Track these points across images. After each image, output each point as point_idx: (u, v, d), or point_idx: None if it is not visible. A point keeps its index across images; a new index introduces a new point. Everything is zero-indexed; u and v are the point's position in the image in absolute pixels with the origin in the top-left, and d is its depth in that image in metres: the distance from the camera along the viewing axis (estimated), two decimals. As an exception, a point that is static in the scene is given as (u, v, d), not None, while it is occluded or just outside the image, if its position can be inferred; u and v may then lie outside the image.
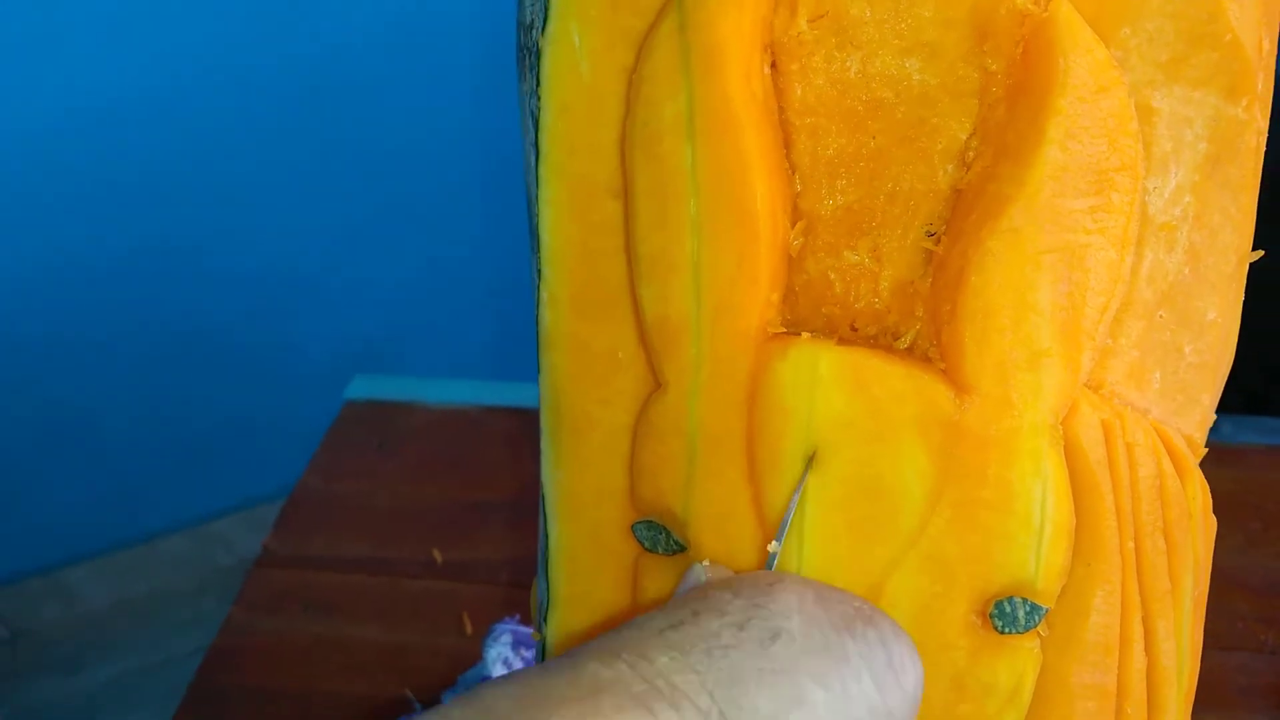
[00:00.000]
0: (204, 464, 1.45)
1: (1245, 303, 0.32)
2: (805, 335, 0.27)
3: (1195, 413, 0.31)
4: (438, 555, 0.63)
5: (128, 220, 1.26)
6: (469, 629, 0.59)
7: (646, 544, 0.30)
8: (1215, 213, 0.30)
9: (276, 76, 1.25)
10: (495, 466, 0.70)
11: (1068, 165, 0.26)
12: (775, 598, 0.25)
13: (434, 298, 1.45)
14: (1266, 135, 0.31)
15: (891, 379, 0.27)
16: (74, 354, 1.31)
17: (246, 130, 1.26)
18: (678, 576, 0.29)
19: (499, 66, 1.35)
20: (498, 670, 0.49)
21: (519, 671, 0.25)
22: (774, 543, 0.28)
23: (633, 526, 0.30)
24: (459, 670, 0.55)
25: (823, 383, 0.27)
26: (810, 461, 0.27)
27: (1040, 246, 0.26)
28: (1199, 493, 0.30)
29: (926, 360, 0.28)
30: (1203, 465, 0.63)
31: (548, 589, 0.33)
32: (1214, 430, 0.65)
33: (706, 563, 0.29)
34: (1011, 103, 0.27)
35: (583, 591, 0.32)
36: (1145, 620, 0.29)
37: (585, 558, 0.32)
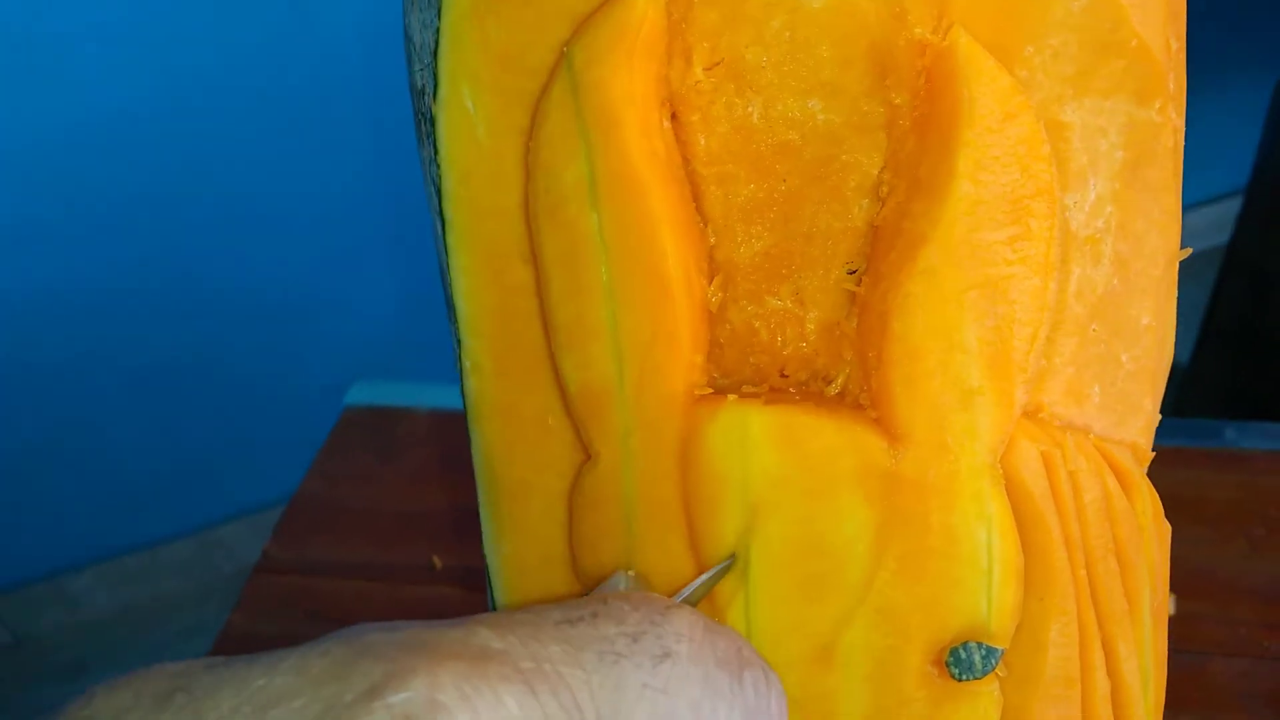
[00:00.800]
0: (206, 470, 1.45)
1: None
2: (732, 397, 0.27)
3: (1138, 419, 0.31)
4: (437, 561, 0.62)
5: (130, 228, 1.26)
6: None
7: (593, 617, 0.29)
8: (1139, 219, 0.29)
9: (276, 85, 1.25)
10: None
11: (981, 198, 0.26)
12: (670, 620, 0.24)
13: (435, 304, 1.44)
14: (1184, 134, 0.31)
15: (824, 434, 0.26)
16: (76, 360, 1.31)
17: (246, 139, 1.26)
18: None
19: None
20: None
21: (399, 623, 0.24)
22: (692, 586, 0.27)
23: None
24: None
25: (754, 444, 0.26)
26: (733, 554, 0.27)
27: (961, 284, 0.26)
28: (1148, 505, 0.29)
29: (859, 408, 0.27)
30: (1207, 470, 0.63)
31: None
32: (1218, 436, 0.65)
33: (630, 573, 0.28)
34: (920, 135, 0.27)
35: (537, 662, 0.32)
36: (1105, 644, 0.29)
37: None
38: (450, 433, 0.73)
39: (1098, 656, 0.28)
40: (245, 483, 1.46)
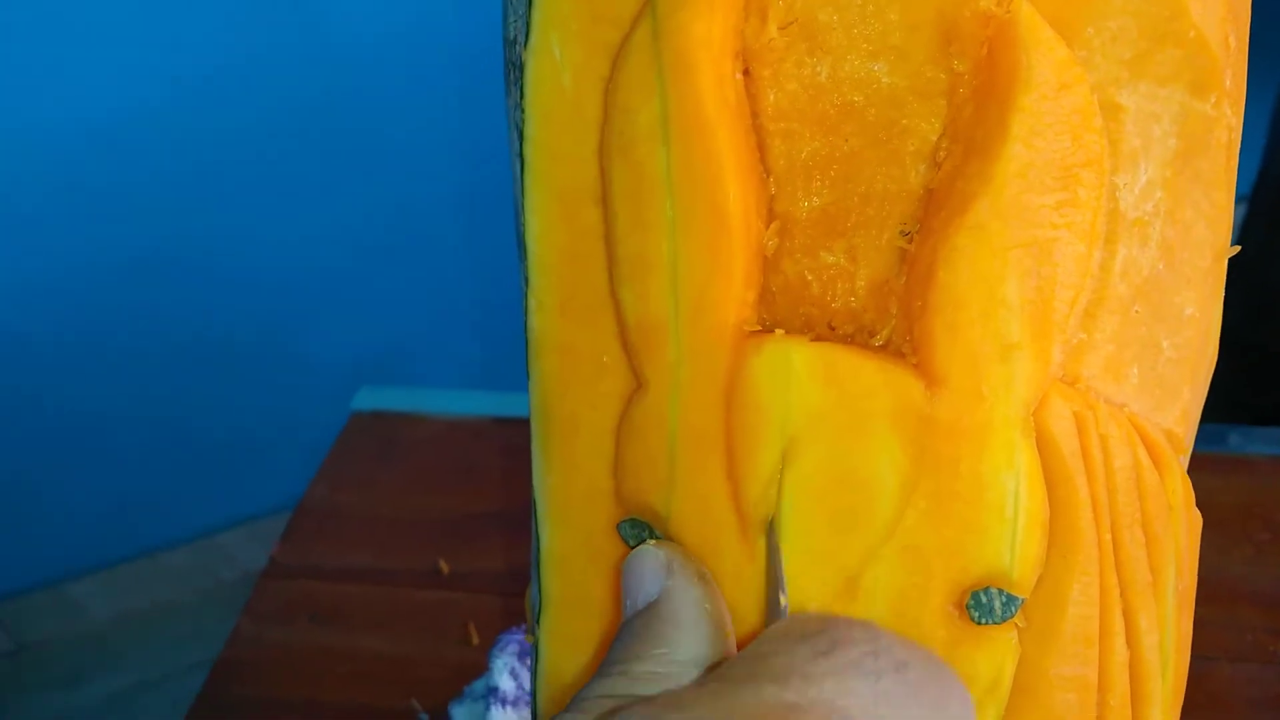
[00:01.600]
0: (207, 477, 1.46)
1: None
2: (779, 332, 0.28)
3: (1175, 407, 0.32)
4: (444, 565, 0.64)
5: (133, 232, 1.27)
6: (475, 639, 0.59)
7: (631, 542, 0.31)
8: (1188, 208, 0.30)
9: (284, 87, 1.26)
10: (502, 477, 0.70)
11: (1033, 161, 0.27)
12: (878, 634, 0.26)
13: (441, 309, 1.46)
14: (1239, 132, 0.32)
15: (864, 373, 0.27)
16: (79, 365, 1.32)
17: (252, 142, 1.28)
18: None
19: (503, 81, 1.36)
20: (504, 680, 0.49)
21: (684, 694, 0.25)
22: (781, 595, 0.28)
23: (618, 525, 0.31)
24: (465, 681, 0.55)
25: (797, 378, 0.27)
26: (771, 524, 0.28)
27: (1007, 241, 0.27)
28: (1179, 485, 0.30)
29: (900, 355, 0.28)
30: (1212, 475, 0.64)
31: (540, 592, 0.34)
32: (1222, 441, 0.65)
33: (652, 542, 0.30)
34: (978, 102, 0.28)
35: (575, 593, 0.33)
36: (1126, 613, 0.29)
37: (576, 560, 0.33)
38: (457, 438, 0.74)
39: (1118, 623, 0.29)
40: (246, 490, 1.47)
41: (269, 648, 0.60)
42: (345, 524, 0.68)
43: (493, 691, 0.48)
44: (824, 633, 0.26)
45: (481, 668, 0.53)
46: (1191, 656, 0.50)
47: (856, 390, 0.27)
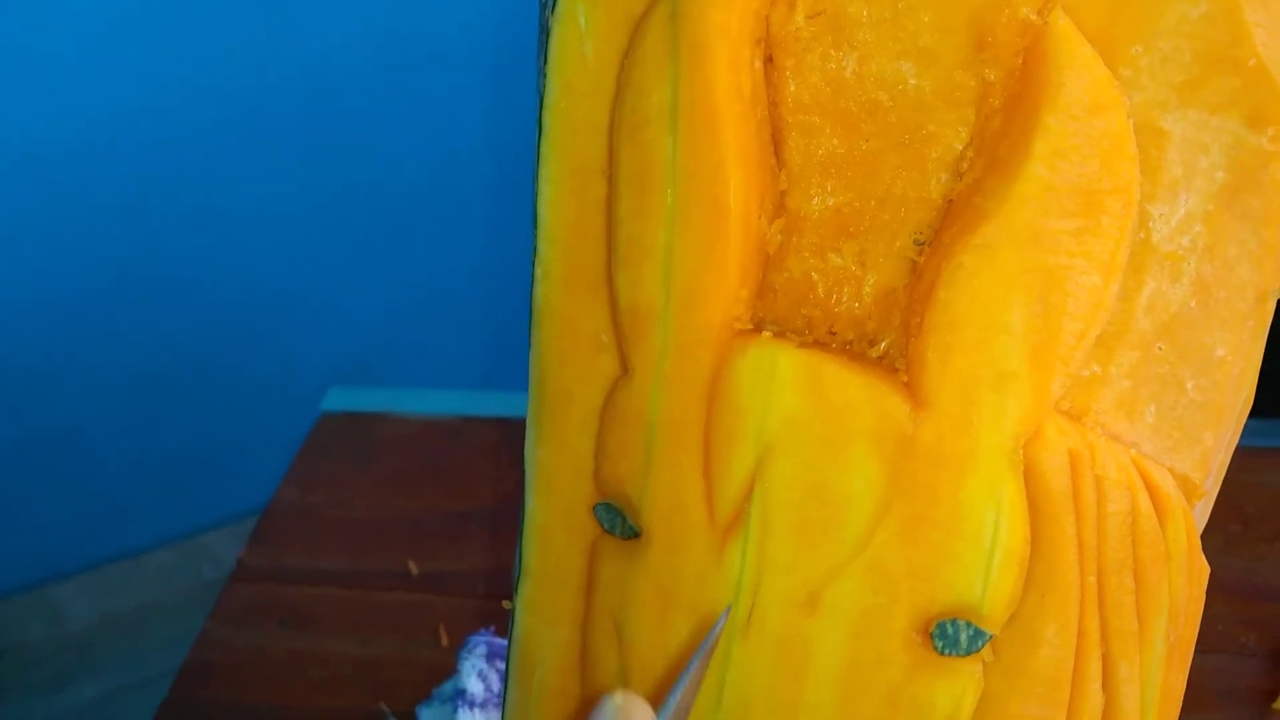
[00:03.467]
0: (190, 478, 1.45)
1: None
2: (766, 334, 0.27)
3: (1194, 450, 0.30)
4: (413, 567, 0.63)
5: (106, 236, 1.26)
6: (445, 641, 0.58)
7: (605, 525, 0.31)
8: (1231, 245, 0.28)
9: (253, 93, 1.24)
10: (473, 477, 0.69)
11: (1053, 184, 0.25)
12: None
13: (412, 310, 1.44)
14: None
15: (848, 386, 0.26)
16: (57, 370, 1.32)
17: (223, 147, 1.26)
18: (631, 563, 0.30)
19: (478, 90, 1.33)
20: (473, 682, 0.49)
21: None
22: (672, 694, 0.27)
23: (594, 507, 0.31)
24: (434, 683, 0.55)
25: (779, 383, 0.27)
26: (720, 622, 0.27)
27: (1016, 266, 0.26)
28: (1181, 534, 0.29)
29: (893, 370, 0.27)
30: None
31: (519, 562, 0.34)
32: None
33: (619, 696, 0.27)
34: (1007, 115, 0.27)
35: (552, 566, 0.33)
36: (1106, 659, 0.28)
37: (557, 533, 0.33)
38: (427, 438, 0.73)
39: (1094, 668, 0.28)
40: (228, 490, 1.45)
41: (237, 651, 0.60)
42: (315, 526, 0.67)
43: (460, 694, 0.48)
44: None
45: (451, 670, 0.52)
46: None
47: (839, 403, 0.26)
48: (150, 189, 1.26)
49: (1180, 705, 0.31)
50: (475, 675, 0.49)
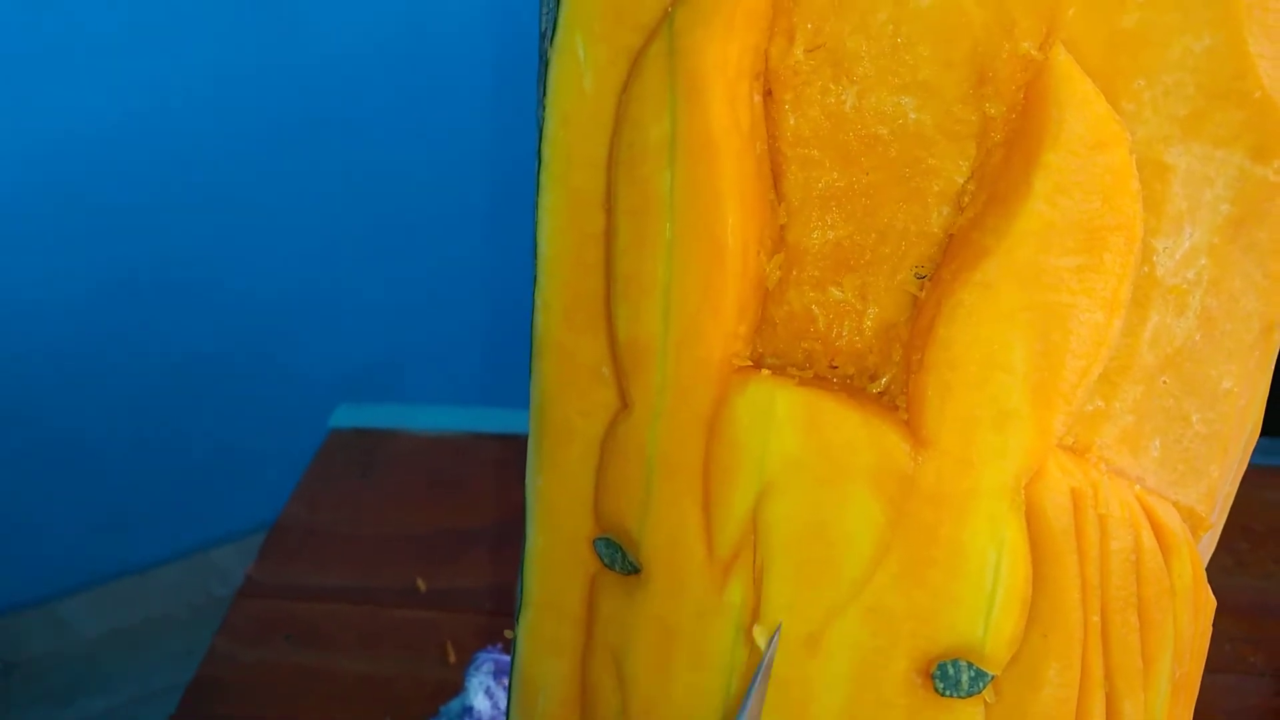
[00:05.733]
0: (198, 494, 1.45)
1: None
2: (765, 372, 0.27)
3: (1200, 484, 0.30)
4: (421, 584, 0.63)
5: (116, 251, 1.26)
6: (452, 658, 0.58)
7: (605, 560, 0.30)
8: (1236, 278, 0.28)
9: (265, 103, 1.24)
10: (480, 493, 0.68)
11: (1055, 221, 0.25)
12: None
13: (421, 327, 1.44)
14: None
15: (847, 425, 0.26)
16: (66, 385, 1.31)
17: (233, 158, 1.26)
18: (631, 599, 0.30)
19: (489, 99, 1.33)
20: (479, 700, 0.49)
21: None
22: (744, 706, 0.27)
23: (594, 542, 0.31)
24: (441, 700, 0.54)
25: (778, 421, 0.26)
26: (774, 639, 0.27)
27: (1016, 304, 0.25)
28: (1187, 569, 0.28)
29: (893, 408, 0.27)
30: None
31: (521, 591, 0.34)
32: None
33: None
34: (1008, 150, 0.26)
35: (553, 597, 0.33)
36: (1110, 698, 0.28)
37: (558, 565, 0.32)
38: (436, 455, 0.72)
39: (1098, 707, 0.28)
40: (236, 505, 1.45)
41: (245, 667, 0.59)
42: (322, 542, 0.67)
43: (468, 711, 0.48)
44: None
45: (458, 687, 0.52)
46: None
47: (838, 442, 0.26)
48: (158, 204, 1.26)
49: (1187, 741, 0.31)
50: (482, 692, 0.49)
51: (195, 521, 1.46)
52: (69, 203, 1.22)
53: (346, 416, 0.77)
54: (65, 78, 1.17)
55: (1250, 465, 0.61)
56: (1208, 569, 0.28)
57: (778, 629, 0.27)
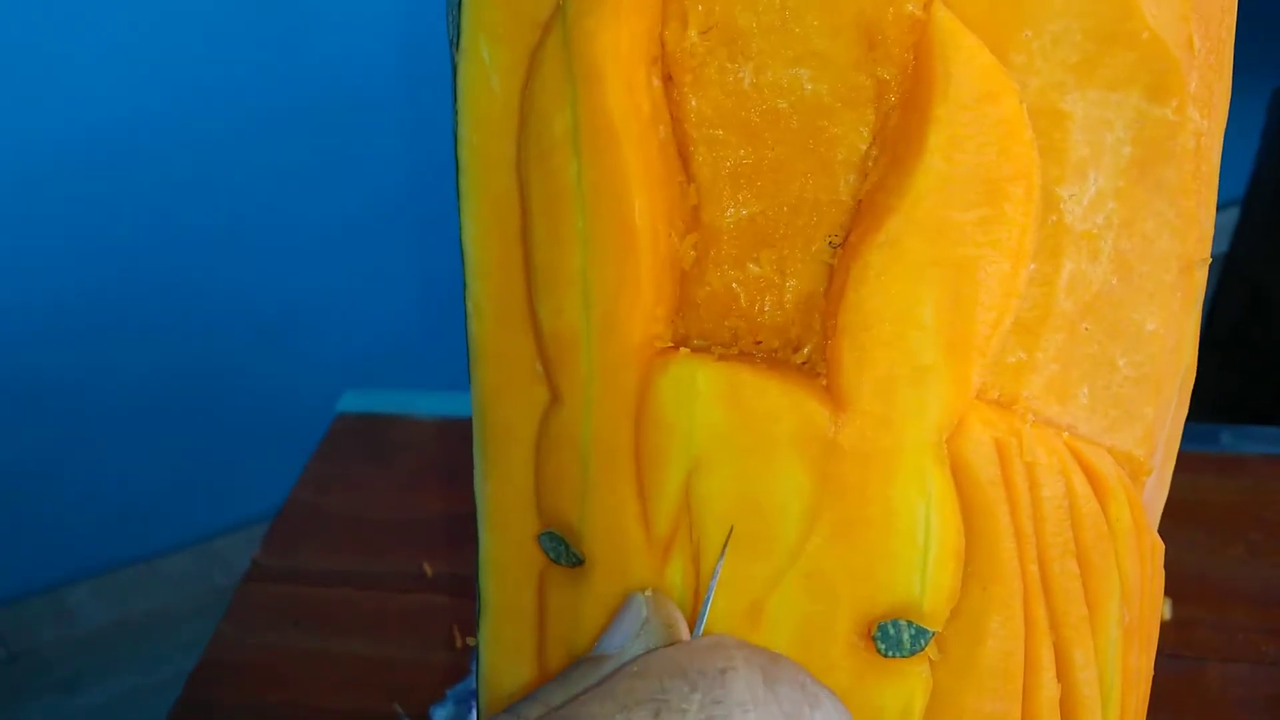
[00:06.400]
0: (202, 483, 1.45)
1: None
2: (684, 350, 0.27)
3: (1136, 427, 0.30)
4: (428, 568, 0.63)
5: (124, 243, 1.27)
6: (459, 642, 0.58)
7: (550, 555, 0.31)
8: (1148, 219, 0.28)
9: (273, 92, 1.25)
10: None
11: (952, 175, 0.25)
12: (730, 689, 0.25)
13: (426, 313, 1.44)
14: (1217, 137, 0.30)
15: (768, 394, 0.26)
16: (72, 375, 1.32)
17: (239, 146, 1.27)
18: (577, 590, 0.30)
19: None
20: None
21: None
22: (703, 609, 0.28)
23: (538, 537, 0.31)
24: (448, 684, 0.55)
25: (701, 397, 0.27)
26: (728, 538, 0.27)
27: (923, 259, 0.26)
28: (1125, 512, 0.28)
29: (813, 375, 0.27)
30: (1204, 475, 0.61)
31: (479, 597, 0.34)
32: (1214, 440, 0.62)
33: (648, 593, 0.28)
34: (904, 111, 0.27)
35: (509, 601, 0.33)
36: (1058, 646, 0.28)
37: (511, 567, 0.33)
38: (442, 440, 0.73)
39: (1046, 656, 0.28)
40: (241, 494, 1.46)
41: (251, 651, 0.60)
42: (329, 527, 0.67)
43: (474, 695, 0.48)
44: (650, 691, 0.24)
45: (465, 671, 0.52)
46: (1181, 657, 0.49)
47: (761, 412, 0.26)
48: (166, 194, 1.28)
49: (1149, 686, 0.31)
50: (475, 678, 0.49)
51: (200, 511, 1.47)
52: (81, 198, 1.24)
53: (354, 401, 0.77)
54: (82, 82, 1.18)
55: (1263, 455, 0.61)
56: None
57: (714, 577, 0.27)
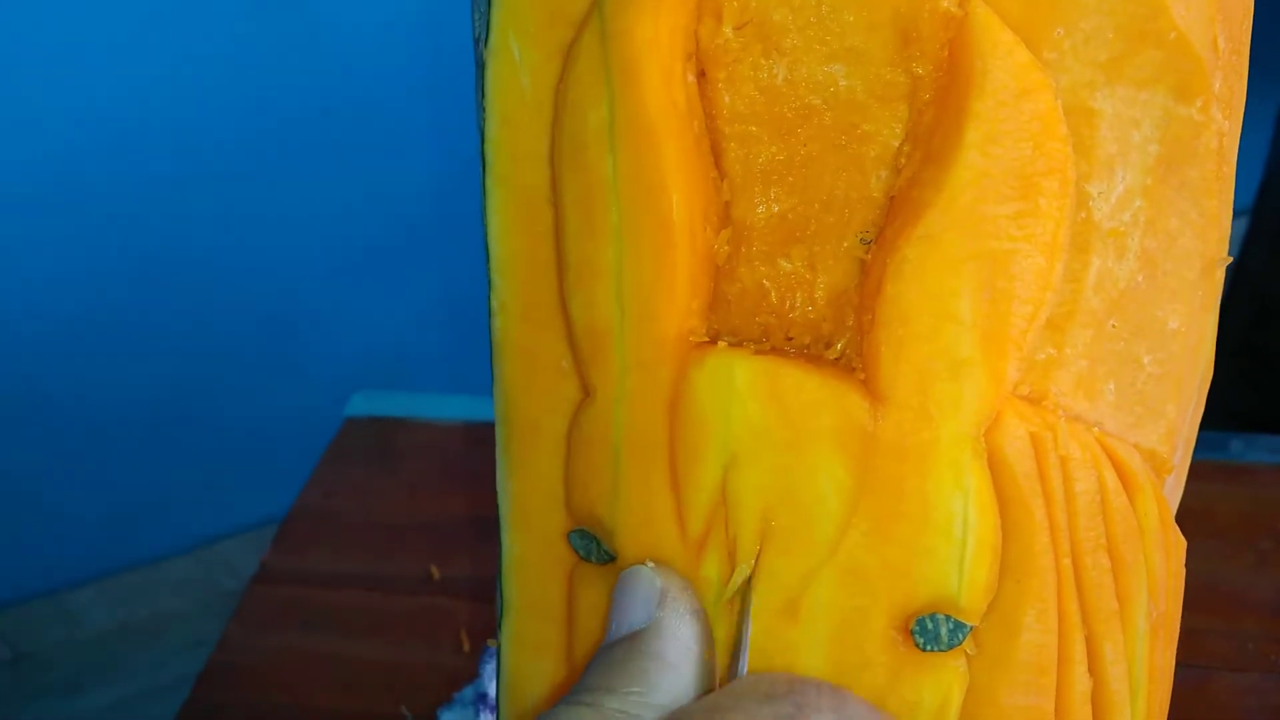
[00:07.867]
0: (207, 486, 1.45)
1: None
2: (721, 344, 0.27)
3: (1159, 425, 0.30)
4: (435, 571, 0.63)
5: (128, 241, 1.27)
6: (466, 646, 0.58)
7: (581, 552, 0.30)
8: (1172, 217, 0.29)
9: (283, 93, 1.25)
10: (494, 482, 0.69)
11: (989, 170, 0.26)
12: (845, 700, 0.26)
13: (434, 317, 1.44)
14: (1236, 138, 0.30)
15: (806, 388, 0.26)
16: (78, 376, 1.32)
17: (248, 148, 1.27)
18: (609, 586, 0.29)
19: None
20: (493, 687, 0.49)
21: None
22: (743, 657, 0.28)
23: (568, 535, 0.31)
24: (456, 687, 0.55)
25: (738, 392, 0.27)
26: (748, 584, 0.27)
27: (960, 254, 0.26)
28: (1153, 508, 0.29)
29: (850, 370, 0.27)
30: (1214, 483, 0.61)
31: (501, 596, 0.33)
32: (1224, 449, 0.63)
33: (650, 564, 0.28)
34: (938, 107, 0.27)
35: (535, 599, 0.33)
36: (1089, 640, 0.28)
37: (536, 566, 0.32)
38: (450, 444, 0.73)
39: (1078, 651, 0.28)
40: (246, 498, 1.45)
41: (259, 654, 0.60)
42: (337, 529, 0.67)
43: (481, 698, 0.48)
44: (789, 697, 0.25)
45: (472, 674, 0.52)
46: (1191, 666, 0.49)
47: (799, 406, 0.26)
48: (174, 196, 1.27)
49: (1171, 683, 0.31)
50: (496, 680, 0.49)
51: (206, 513, 1.46)
52: (88, 198, 1.23)
53: (362, 405, 0.77)
54: (92, 81, 1.17)
55: (1272, 464, 0.61)
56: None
57: (750, 600, 0.27)
